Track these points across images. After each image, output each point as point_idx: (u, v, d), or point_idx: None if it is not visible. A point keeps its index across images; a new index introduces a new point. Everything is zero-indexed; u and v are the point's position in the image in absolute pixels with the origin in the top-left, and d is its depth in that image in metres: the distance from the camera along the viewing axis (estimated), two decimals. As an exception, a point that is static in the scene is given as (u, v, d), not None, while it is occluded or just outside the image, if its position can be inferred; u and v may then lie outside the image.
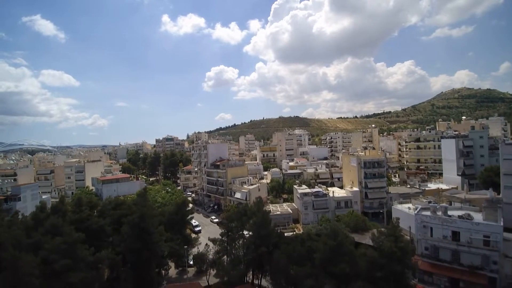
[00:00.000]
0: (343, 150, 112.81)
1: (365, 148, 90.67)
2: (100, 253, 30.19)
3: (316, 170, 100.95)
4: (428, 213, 46.82)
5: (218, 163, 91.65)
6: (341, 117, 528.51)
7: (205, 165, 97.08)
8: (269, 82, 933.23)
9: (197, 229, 69.98)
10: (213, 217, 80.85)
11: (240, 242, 40.31)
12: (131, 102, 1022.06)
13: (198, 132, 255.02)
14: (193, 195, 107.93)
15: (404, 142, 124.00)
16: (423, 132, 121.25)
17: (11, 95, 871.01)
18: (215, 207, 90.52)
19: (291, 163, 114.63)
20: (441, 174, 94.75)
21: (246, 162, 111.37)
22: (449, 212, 46.35)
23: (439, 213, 46.15)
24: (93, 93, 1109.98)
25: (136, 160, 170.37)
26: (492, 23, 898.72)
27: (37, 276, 23.08)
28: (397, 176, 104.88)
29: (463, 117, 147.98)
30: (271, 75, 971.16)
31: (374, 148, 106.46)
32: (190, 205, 66.39)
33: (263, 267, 37.73)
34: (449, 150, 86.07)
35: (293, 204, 79.47)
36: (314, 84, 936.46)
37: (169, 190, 79.53)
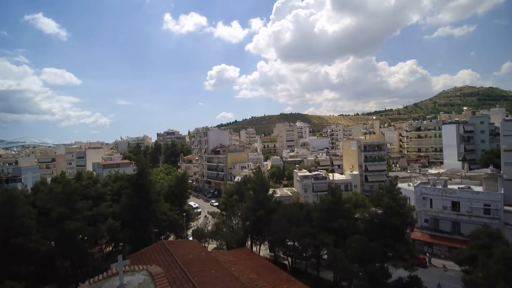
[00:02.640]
0: (344, 139, 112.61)
1: (365, 133, 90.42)
2: (97, 208, 30.31)
3: (317, 157, 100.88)
4: (427, 186, 46.73)
5: (219, 149, 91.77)
6: (342, 114, 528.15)
7: (205, 152, 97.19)
8: (270, 81, 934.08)
9: (196, 210, 70.01)
10: (213, 201, 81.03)
11: (239, 209, 40.24)
12: (133, 100, 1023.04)
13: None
14: (194, 183, 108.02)
15: (405, 132, 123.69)
16: (424, 121, 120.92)
17: (13, 93, 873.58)
18: (215, 192, 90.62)
19: (292, 153, 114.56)
20: (442, 163, 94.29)
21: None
22: (449, 186, 46.21)
23: (439, 186, 46.05)
24: (94, 91, 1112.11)
25: (137, 153, 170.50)
26: (494, 23, 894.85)
27: (32, 217, 23.17)
28: (397, 165, 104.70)
29: (465, 108, 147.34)
30: (272, 74, 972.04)
31: (374, 133, 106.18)
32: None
33: (262, 233, 37.68)
34: (449, 135, 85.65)
35: (293, 188, 79.36)
36: (316, 83, 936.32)
37: (170, 171, 79.50)
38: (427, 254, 39.51)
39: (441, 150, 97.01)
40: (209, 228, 45.55)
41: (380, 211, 30.79)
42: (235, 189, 45.90)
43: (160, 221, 33.96)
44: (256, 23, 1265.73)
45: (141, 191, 32.33)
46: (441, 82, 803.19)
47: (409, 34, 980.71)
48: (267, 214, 36.07)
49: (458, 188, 43.81)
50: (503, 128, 53.36)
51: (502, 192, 40.05)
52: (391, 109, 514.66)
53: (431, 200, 44.62)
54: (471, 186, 44.80)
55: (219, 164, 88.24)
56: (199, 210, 71.63)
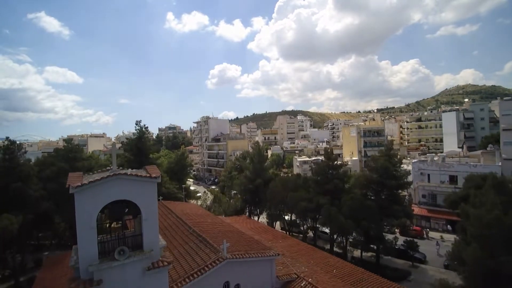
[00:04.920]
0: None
1: (365, 120, 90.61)
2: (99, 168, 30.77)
3: (317, 147, 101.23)
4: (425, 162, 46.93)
5: (219, 137, 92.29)
6: (343, 112, 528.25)
7: (206, 140, 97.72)
8: (272, 80, 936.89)
9: (197, 195, 70.61)
10: (213, 187, 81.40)
11: (238, 180, 40.66)
12: (134, 99, 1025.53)
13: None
14: (194, 172, 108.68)
15: (405, 123, 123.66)
16: (425, 112, 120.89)
17: (15, 91, 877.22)
18: (216, 180, 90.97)
19: (292, 144, 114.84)
20: (442, 152, 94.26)
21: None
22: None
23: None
24: (96, 90, 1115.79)
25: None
26: (497, 22, 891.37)
27: (32, 168, 23.67)
28: (398, 154, 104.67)
29: (466, 100, 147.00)
30: (274, 73, 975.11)
31: (374, 119, 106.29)
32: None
33: (260, 203, 38.00)
34: (450, 123, 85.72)
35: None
36: (318, 82, 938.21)
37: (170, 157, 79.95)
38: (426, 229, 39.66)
39: (441, 141, 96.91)
40: (208, 203, 46.21)
41: (376, 175, 31.06)
42: (234, 166, 46.35)
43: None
44: (258, 22, 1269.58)
45: (140, 156, 32.82)
46: (443, 82, 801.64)
47: (412, 33, 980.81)
48: (265, 184, 36.45)
49: (456, 163, 43.98)
50: (502, 108, 53.54)
51: (500, 164, 40.17)
52: (393, 107, 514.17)
53: (428, 175, 44.81)
54: (469, 162, 44.92)
55: (220, 151, 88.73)
56: (199, 194, 72.30)
